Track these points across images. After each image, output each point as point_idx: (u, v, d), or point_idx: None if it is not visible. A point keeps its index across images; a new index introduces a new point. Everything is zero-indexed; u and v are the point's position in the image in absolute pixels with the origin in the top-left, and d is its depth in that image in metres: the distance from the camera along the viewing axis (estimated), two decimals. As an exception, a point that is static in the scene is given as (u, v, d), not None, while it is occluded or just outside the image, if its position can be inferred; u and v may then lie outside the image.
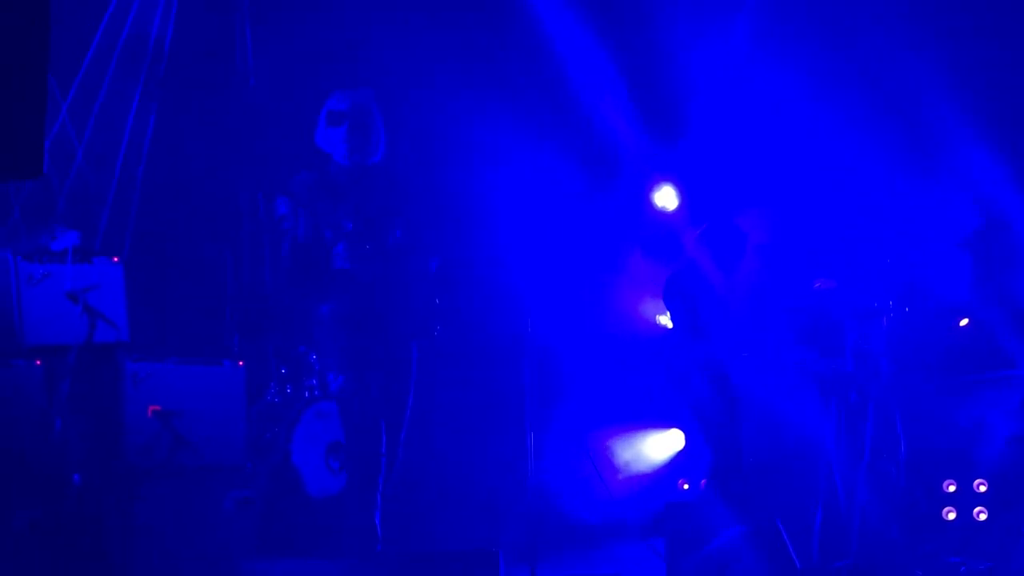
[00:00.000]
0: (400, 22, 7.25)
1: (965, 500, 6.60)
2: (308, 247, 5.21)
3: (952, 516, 6.58)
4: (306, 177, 5.38)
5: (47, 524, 4.85)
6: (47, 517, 4.86)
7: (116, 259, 5.30)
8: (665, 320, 8.01)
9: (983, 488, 6.61)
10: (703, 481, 6.03)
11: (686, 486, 7.15)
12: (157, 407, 5.33)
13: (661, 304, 7.80)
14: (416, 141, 6.86)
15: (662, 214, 7.96)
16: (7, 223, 5.52)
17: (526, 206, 7.40)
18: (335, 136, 5.35)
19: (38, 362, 5.05)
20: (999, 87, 7.18)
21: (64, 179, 5.85)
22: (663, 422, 7.86)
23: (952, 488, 6.68)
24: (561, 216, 7.69)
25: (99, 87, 5.97)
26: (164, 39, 6.06)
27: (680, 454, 7.79)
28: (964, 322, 7.20)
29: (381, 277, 5.31)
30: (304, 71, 6.94)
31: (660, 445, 7.91)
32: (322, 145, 5.44)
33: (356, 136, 5.34)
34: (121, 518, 5.11)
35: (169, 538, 5.19)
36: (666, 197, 7.98)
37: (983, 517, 6.53)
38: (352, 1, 7.26)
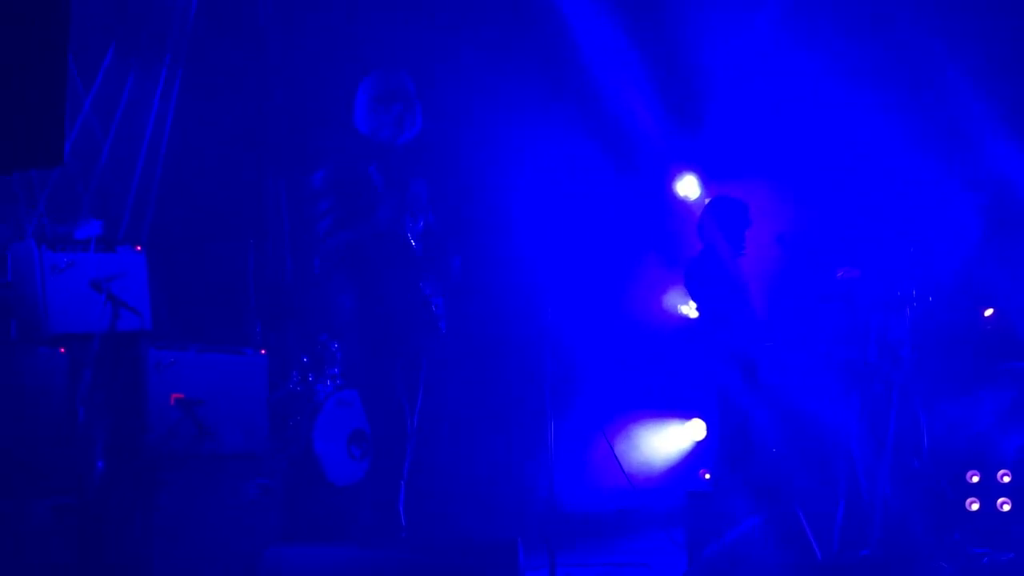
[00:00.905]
0: (426, 11, 7.26)
1: (989, 491, 6.57)
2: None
3: (976, 507, 6.55)
4: (340, 167, 5.44)
5: (70, 510, 4.88)
6: (71, 504, 4.89)
7: (139, 248, 5.33)
8: (688, 310, 8.00)
9: (1007, 479, 6.57)
10: (723, 471, 6.01)
11: (707, 476, 7.14)
12: (180, 395, 5.35)
13: (683, 293, 7.79)
14: (438, 133, 6.89)
15: (684, 203, 7.94)
16: (32, 214, 5.56)
17: (547, 197, 7.40)
18: (384, 118, 5.40)
19: (62, 350, 5.09)
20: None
21: (88, 170, 5.88)
22: (684, 412, 7.86)
23: (976, 479, 6.65)
24: (582, 206, 7.69)
25: (123, 77, 5.99)
26: (187, 24, 6.08)
27: (701, 444, 7.78)
28: (989, 312, 7.15)
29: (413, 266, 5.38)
30: (330, 58, 6.95)
31: (681, 435, 7.91)
32: (363, 128, 5.48)
33: (406, 117, 5.41)
34: (144, 505, 5.14)
35: (191, 525, 5.22)
36: (688, 186, 7.97)
37: (1007, 508, 6.49)
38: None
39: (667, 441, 7.87)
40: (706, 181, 7.84)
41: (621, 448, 7.06)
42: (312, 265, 6.05)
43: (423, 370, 5.48)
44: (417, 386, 5.45)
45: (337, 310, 5.45)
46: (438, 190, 5.82)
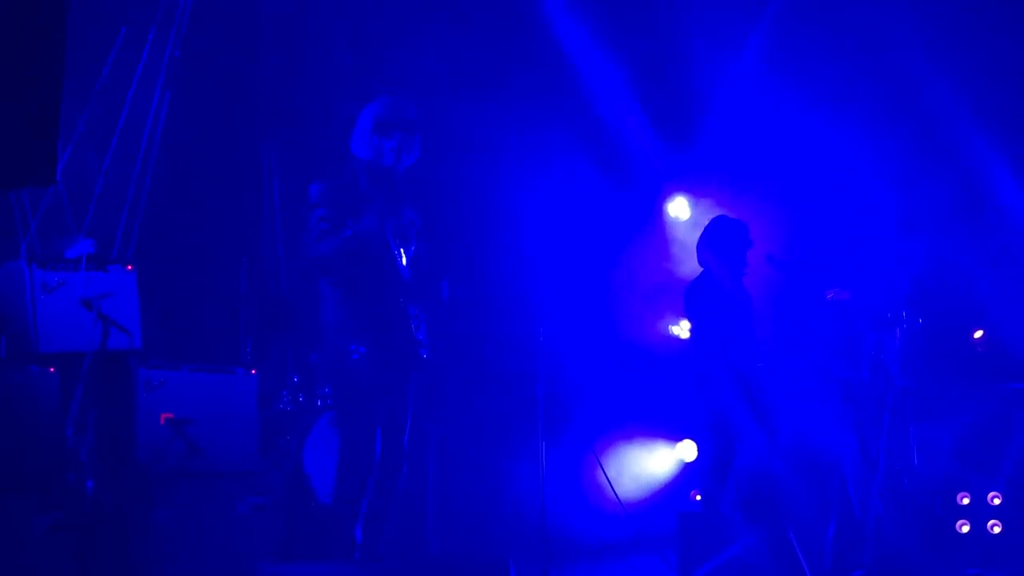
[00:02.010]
0: (423, 28, 7.28)
1: (979, 512, 6.57)
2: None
3: (966, 529, 6.55)
4: (336, 181, 5.44)
5: (64, 528, 4.87)
6: (64, 522, 4.87)
7: (130, 267, 5.32)
8: (679, 330, 8.01)
9: (997, 501, 6.58)
10: (715, 491, 6.00)
11: (698, 497, 7.13)
12: (170, 415, 5.34)
13: (674, 314, 7.80)
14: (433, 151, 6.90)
15: (676, 224, 7.96)
16: (25, 233, 5.55)
17: (541, 215, 7.41)
18: (385, 146, 5.40)
19: (52, 369, 5.08)
20: (1014, 96, 7.16)
21: (81, 191, 5.88)
22: (676, 433, 7.85)
23: (966, 500, 6.65)
24: (575, 225, 7.70)
25: (117, 98, 6.00)
26: (180, 37, 6.08)
27: (692, 465, 7.77)
28: (979, 334, 7.17)
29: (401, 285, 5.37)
30: (328, 77, 6.97)
31: (673, 456, 7.90)
32: (361, 153, 5.45)
33: (405, 145, 5.41)
34: (135, 524, 5.12)
35: (182, 544, 5.20)
36: (679, 208, 7.98)
37: (997, 530, 6.50)
38: (374, 8, 7.30)
39: (658, 462, 7.86)
40: (697, 202, 7.86)
41: (612, 469, 7.05)
42: (304, 283, 6.05)
43: (407, 393, 5.41)
44: (399, 407, 5.37)
45: (321, 325, 5.42)
46: (431, 214, 5.83)
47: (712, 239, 6.21)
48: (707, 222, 6.39)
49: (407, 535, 6.09)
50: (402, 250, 5.37)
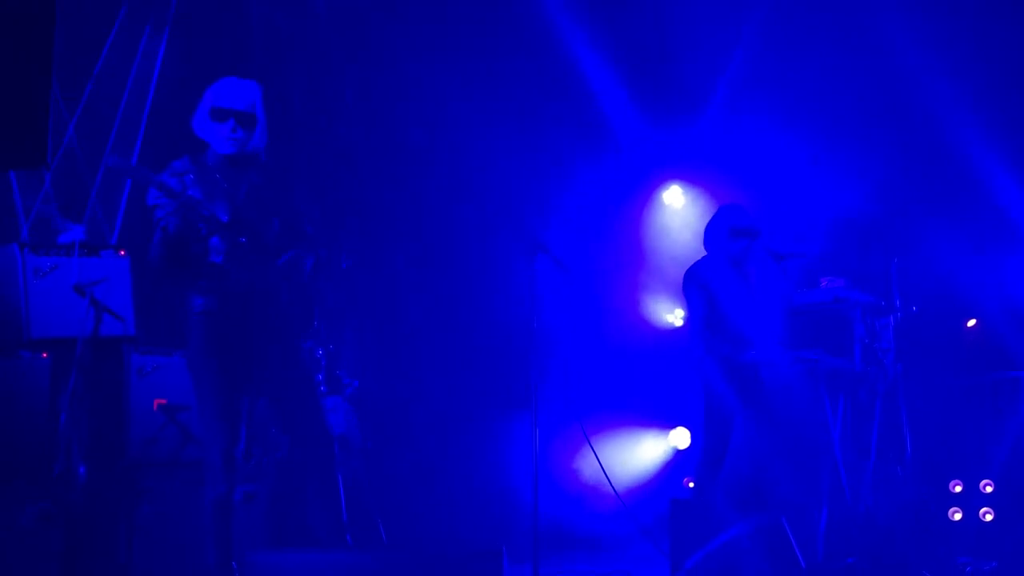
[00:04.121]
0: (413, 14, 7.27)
1: (971, 500, 6.59)
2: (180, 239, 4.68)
3: (958, 516, 6.57)
4: (180, 165, 5.04)
5: (55, 516, 4.85)
6: (55, 509, 4.86)
7: (123, 253, 5.29)
8: (673, 318, 8.01)
9: (989, 489, 6.60)
10: (707, 479, 6.00)
11: (691, 484, 7.14)
12: (163, 401, 5.33)
13: (669, 301, 7.80)
14: (419, 134, 6.88)
15: (671, 212, 7.96)
16: (21, 218, 5.54)
17: (537, 202, 7.40)
18: (218, 131, 4.95)
19: (44, 355, 5.06)
20: (1003, 87, 7.17)
21: (75, 177, 5.86)
22: (669, 420, 7.86)
23: (959, 488, 6.67)
24: (570, 212, 7.70)
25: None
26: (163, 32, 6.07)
27: (685, 452, 7.79)
28: (972, 323, 7.19)
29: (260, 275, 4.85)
30: (320, 74, 6.95)
31: (666, 443, 7.92)
32: (201, 134, 5.01)
33: (242, 134, 4.81)
34: (127, 510, 5.12)
35: (174, 530, 5.19)
36: (674, 196, 7.99)
37: (989, 518, 6.51)
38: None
39: (651, 449, 7.88)
40: (692, 190, 7.86)
41: (606, 456, 7.06)
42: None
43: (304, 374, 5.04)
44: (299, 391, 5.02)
45: (187, 317, 5.05)
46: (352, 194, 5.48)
47: (720, 225, 6.16)
48: (716, 209, 6.35)
49: (400, 523, 6.09)
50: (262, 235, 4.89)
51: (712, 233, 6.15)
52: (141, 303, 5.31)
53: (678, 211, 7.94)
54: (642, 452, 7.86)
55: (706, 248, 6.21)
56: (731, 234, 6.08)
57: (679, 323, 7.91)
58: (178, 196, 4.60)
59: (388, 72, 6.96)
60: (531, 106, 7.45)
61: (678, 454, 7.85)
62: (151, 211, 4.71)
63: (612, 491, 6.15)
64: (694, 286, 6.03)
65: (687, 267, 6.12)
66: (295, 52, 6.91)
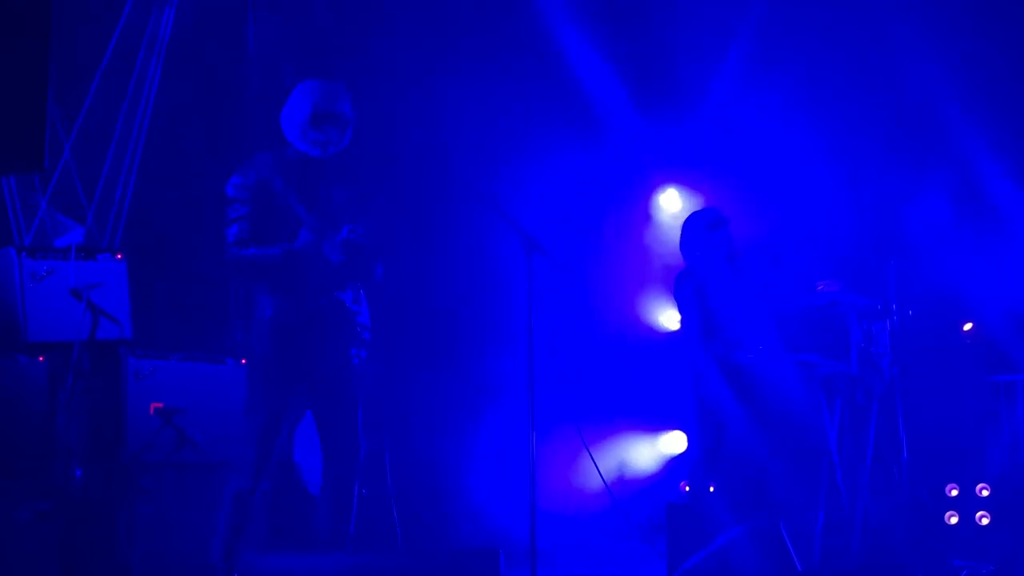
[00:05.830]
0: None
1: (968, 504, 6.60)
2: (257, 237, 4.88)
3: (955, 520, 6.58)
4: (263, 159, 5.03)
5: (52, 519, 4.86)
6: (52, 512, 4.87)
7: (120, 256, 5.30)
8: (667, 320, 8.02)
9: (986, 492, 6.60)
10: (703, 482, 6.01)
11: (687, 488, 7.14)
12: (159, 404, 5.34)
13: (663, 303, 7.80)
14: (410, 132, 6.88)
15: (666, 215, 7.97)
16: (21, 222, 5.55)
17: (531, 202, 7.40)
18: (315, 139, 4.92)
19: (41, 358, 5.07)
20: (1001, 88, 7.18)
21: (70, 180, 5.87)
22: (665, 423, 7.86)
23: (955, 492, 6.67)
24: (564, 213, 7.70)
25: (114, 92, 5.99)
26: (167, 33, 6.07)
27: (681, 455, 7.79)
28: (968, 326, 7.19)
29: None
30: (305, 65, 6.94)
31: (662, 446, 7.92)
32: (290, 135, 5.06)
33: (336, 137, 4.97)
34: (124, 514, 5.12)
35: (171, 534, 5.20)
36: (670, 200, 7.99)
37: (985, 522, 6.52)
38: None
39: (648, 452, 7.88)
40: (688, 193, 7.87)
41: (602, 459, 7.06)
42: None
43: (353, 385, 5.12)
44: (345, 401, 5.11)
45: (255, 323, 5.07)
46: (387, 194, 5.59)
47: (687, 235, 6.21)
48: (683, 223, 6.37)
49: (397, 524, 6.09)
50: (330, 243, 4.97)
51: (691, 239, 6.18)
52: (138, 307, 5.32)
53: (674, 214, 7.95)
54: (638, 455, 7.87)
55: (688, 257, 6.23)
56: (709, 228, 6.11)
57: (674, 326, 7.92)
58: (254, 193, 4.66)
59: (385, 71, 6.96)
60: (526, 104, 7.45)
61: (674, 458, 7.86)
62: (230, 203, 4.85)
63: (608, 494, 6.15)
64: (688, 288, 6.04)
65: (679, 271, 6.14)
66: (293, 64, 6.92)
